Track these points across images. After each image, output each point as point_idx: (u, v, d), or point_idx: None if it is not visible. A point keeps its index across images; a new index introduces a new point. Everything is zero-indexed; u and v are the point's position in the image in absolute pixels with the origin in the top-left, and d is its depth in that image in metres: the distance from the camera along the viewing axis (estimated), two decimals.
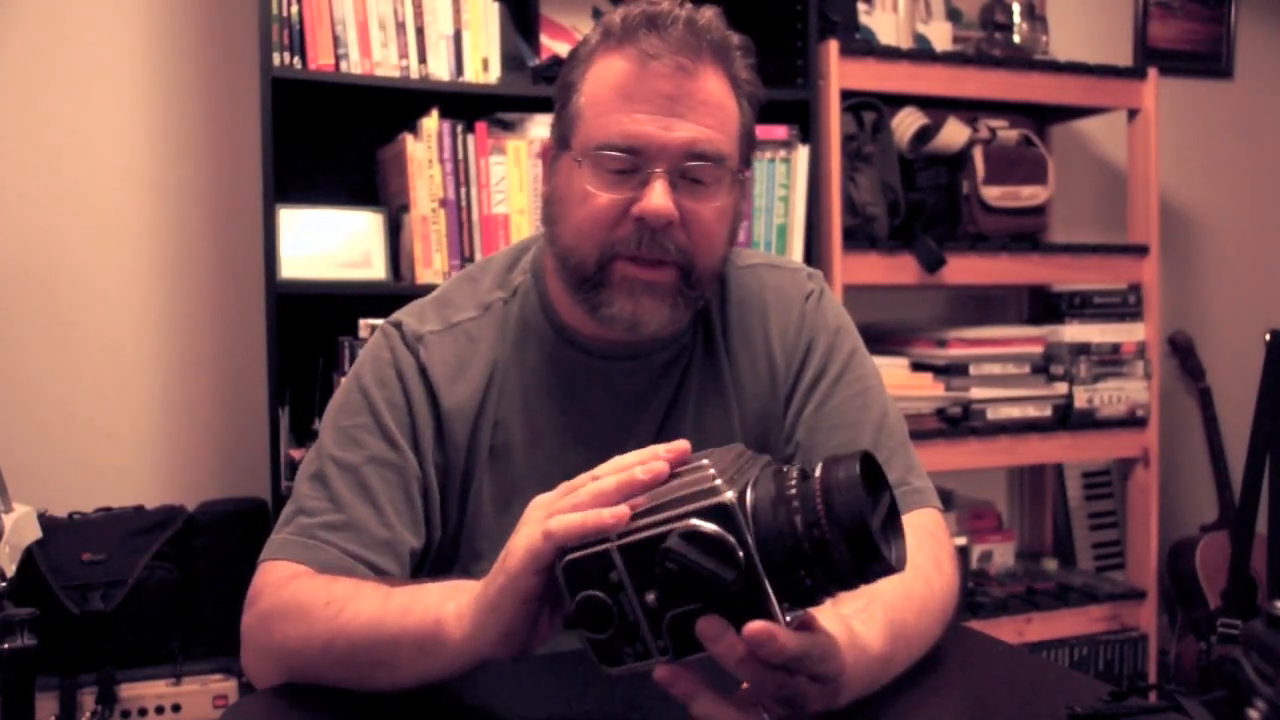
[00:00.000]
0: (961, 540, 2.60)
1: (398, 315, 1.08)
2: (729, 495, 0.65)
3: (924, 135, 2.51)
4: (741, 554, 0.64)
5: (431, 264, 2.12)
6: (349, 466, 0.99)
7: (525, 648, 0.75)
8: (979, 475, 2.90)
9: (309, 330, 2.18)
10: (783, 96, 2.34)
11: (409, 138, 2.12)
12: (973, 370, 2.50)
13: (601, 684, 0.87)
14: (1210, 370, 3.08)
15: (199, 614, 2.12)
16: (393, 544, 0.97)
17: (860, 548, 0.64)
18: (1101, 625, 2.64)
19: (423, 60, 2.14)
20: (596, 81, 0.99)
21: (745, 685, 0.69)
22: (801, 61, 2.38)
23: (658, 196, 0.95)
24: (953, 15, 2.82)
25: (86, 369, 2.31)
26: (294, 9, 2.04)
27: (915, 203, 2.50)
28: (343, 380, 1.09)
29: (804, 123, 2.36)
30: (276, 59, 2.02)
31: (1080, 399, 2.59)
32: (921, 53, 2.56)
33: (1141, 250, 2.68)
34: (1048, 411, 2.57)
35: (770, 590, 0.64)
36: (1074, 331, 2.62)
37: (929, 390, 2.48)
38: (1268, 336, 1.77)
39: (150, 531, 2.13)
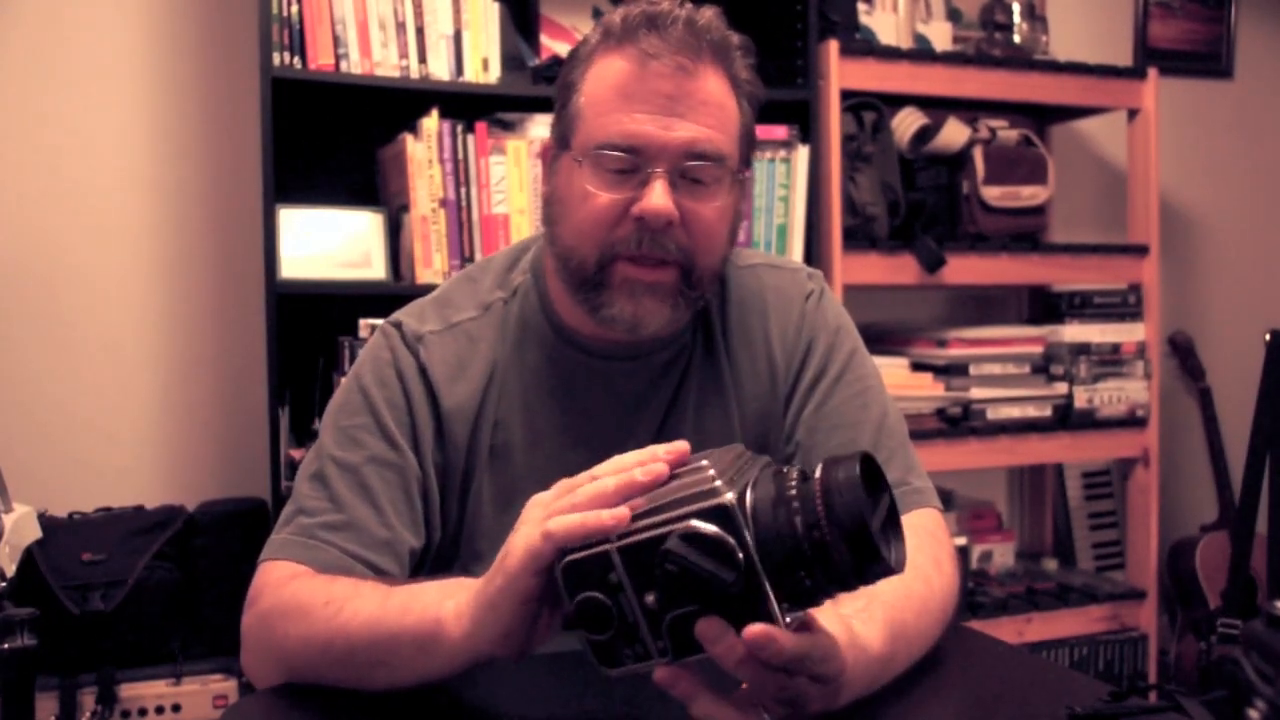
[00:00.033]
0: (961, 540, 2.60)
1: (398, 315, 1.08)
2: (729, 496, 0.65)
3: (924, 135, 2.51)
4: (741, 555, 0.64)
5: (431, 264, 2.12)
6: (349, 466, 0.99)
7: (525, 647, 0.76)
8: (979, 475, 2.90)
9: (309, 330, 2.18)
10: (783, 96, 2.34)
11: (409, 138, 2.12)
12: (973, 370, 2.50)
13: (601, 684, 0.87)
14: (1210, 370, 3.08)
15: (199, 614, 2.12)
16: (392, 544, 0.97)
17: (860, 549, 0.64)
18: (1101, 625, 2.64)
19: (423, 60, 2.14)
20: (596, 81, 0.99)
21: (745, 685, 0.69)
22: (801, 61, 2.38)
23: (658, 196, 0.95)
24: (953, 15, 2.82)
25: (86, 369, 2.31)
26: (294, 9, 2.04)
27: (915, 203, 2.50)
28: (343, 380, 1.09)
29: (804, 123, 2.36)
30: (276, 59, 2.02)
31: (1080, 399, 2.59)
32: (921, 53, 2.56)
33: (1141, 250, 2.68)
34: (1048, 411, 2.57)
35: (770, 591, 0.64)
36: (1074, 331, 2.62)
37: (929, 390, 2.48)
38: (1268, 336, 1.77)
39: (150, 531, 2.13)
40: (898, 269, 2.44)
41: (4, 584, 1.60)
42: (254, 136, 2.09)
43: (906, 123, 2.50)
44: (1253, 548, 1.84)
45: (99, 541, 2.08)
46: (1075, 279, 2.65)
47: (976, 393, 2.50)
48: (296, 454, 2.04)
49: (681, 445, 0.72)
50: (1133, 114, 2.70)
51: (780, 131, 2.34)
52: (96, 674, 1.99)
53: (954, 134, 2.53)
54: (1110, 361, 2.64)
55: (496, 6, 2.21)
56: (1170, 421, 3.00)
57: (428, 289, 1.13)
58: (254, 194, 2.12)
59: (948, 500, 2.77)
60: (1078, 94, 2.64)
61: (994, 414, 2.51)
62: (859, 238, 2.41)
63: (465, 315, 1.07)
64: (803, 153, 2.35)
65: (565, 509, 0.71)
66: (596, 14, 2.56)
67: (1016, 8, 2.68)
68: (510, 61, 2.25)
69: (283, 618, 0.89)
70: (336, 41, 2.07)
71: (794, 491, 0.65)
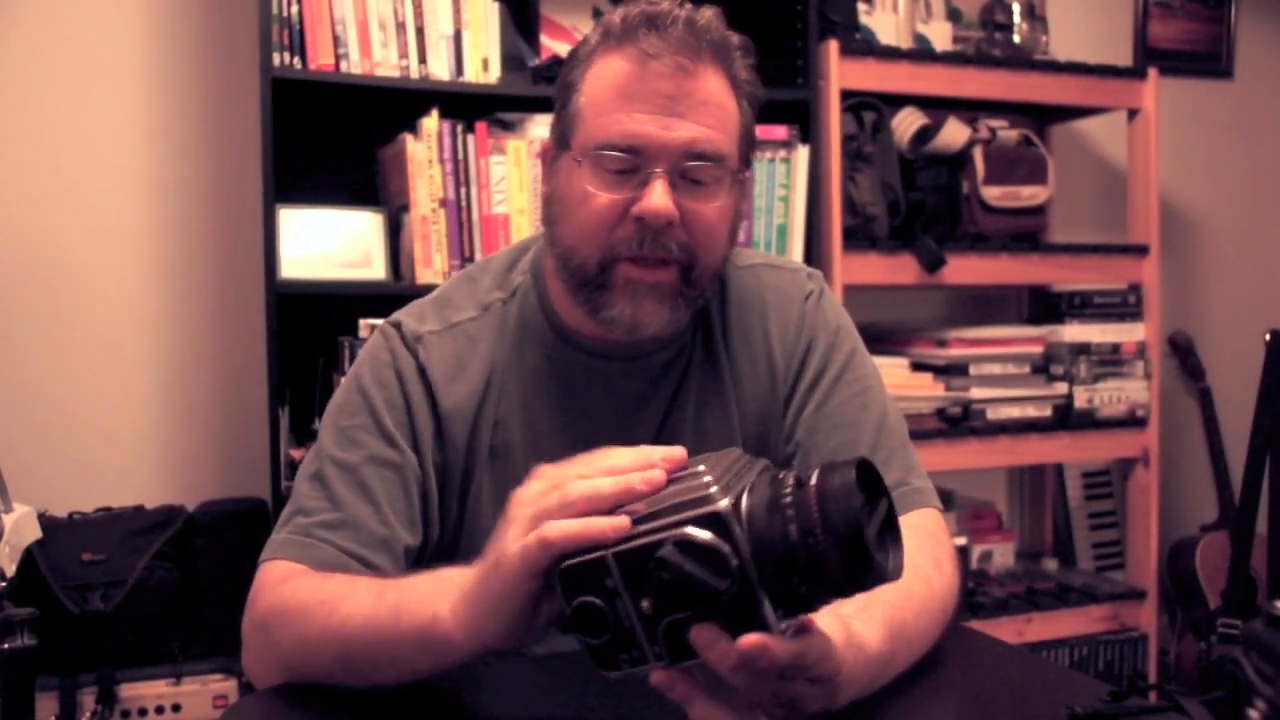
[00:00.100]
0: (961, 540, 2.60)
1: (397, 315, 1.08)
2: (723, 504, 0.65)
3: (924, 135, 2.51)
4: (735, 562, 0.64)
5: (431, 264, 2.12)
6: (347, 466, 0.99)
7: (525, 637, 0.75)
8: (979, 475, 2.90)
9: (309, 330, 2.18)
10: (783, 96, 2.34)
11: (409, 138, 2.12)
12: (973, 370, 2.50)
13: (601, 684, 0.87)
14: (1210, 370, 3.08)
15: (199, 614, 2.12)
16: (389, 542, 0.97)
17: (854, 557, 0.63)
18: (1101, 625, 2.64)
19: (423, 60, 2.14)
20: (596, 81, 0.99)
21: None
22: (801, 61, 2.38)
23: (658, 196, 0.95)
24: (953, 15, 2.82)
25: (86, 369, 2.31)
26: (294, 9, 2.04)
27: (915, 203, 2.50)
28: (342, 380, 1.09)
29: (804, 123, 2.36)
30: (276, 59, 2.02)
31: (1080, 399, 2.59)
32: (921, 53, 2.56)
33: (1141, 250, 2.68)
34: (1048, 411, 2.57)
35: (764, 599, 0.64)
36: (1074, 331, 2.62)
37: (929, 390, 2.48)
38: (1268, 336, 1.77)
39: (150, 531, 2.13)
40: (898, 269, 2.44)
41: (4, 584, 1.60)
42: (254, 136, 2.08)
43: (906, 123, 2.50)
44: (1253, 548, 1.84)
45: (99, 541, 2.08)
46: (1075, 279, 2.65)
47: (976, 393, 2.50)
48: (296, 454, 2.04)
49: (679, 452, 0.72)
50: (1133, 114, 2.70)
51: (780, 131, 2.34)
52: (96, 674, 1.99)
53: (954, 134, 2.53)
54: (1110, 361, 2.64)
55: (496, 6, 2.21)
56: (1170, 421, 3.00)
57: (428, 289, 1.13)
58: (254, 194, 2.12)
59: (948, 500, 2.77)
60: (1078, 94, 2.64)
61: (994, 414, 2.51)
62: (859, 238, 2.41)
63: (464, 315, 1.07)
64: (803, 153, 2.35)
65: (556, 510, 0.70)
66: (596, 14, 2.56)
67: (1016, 8, 2.68)
68: (510, 61, 2.25)
69: (281, 619, 0.89)
70: (336, 41, 2.07)
71: (789, 498, 0.65)
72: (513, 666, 0.96)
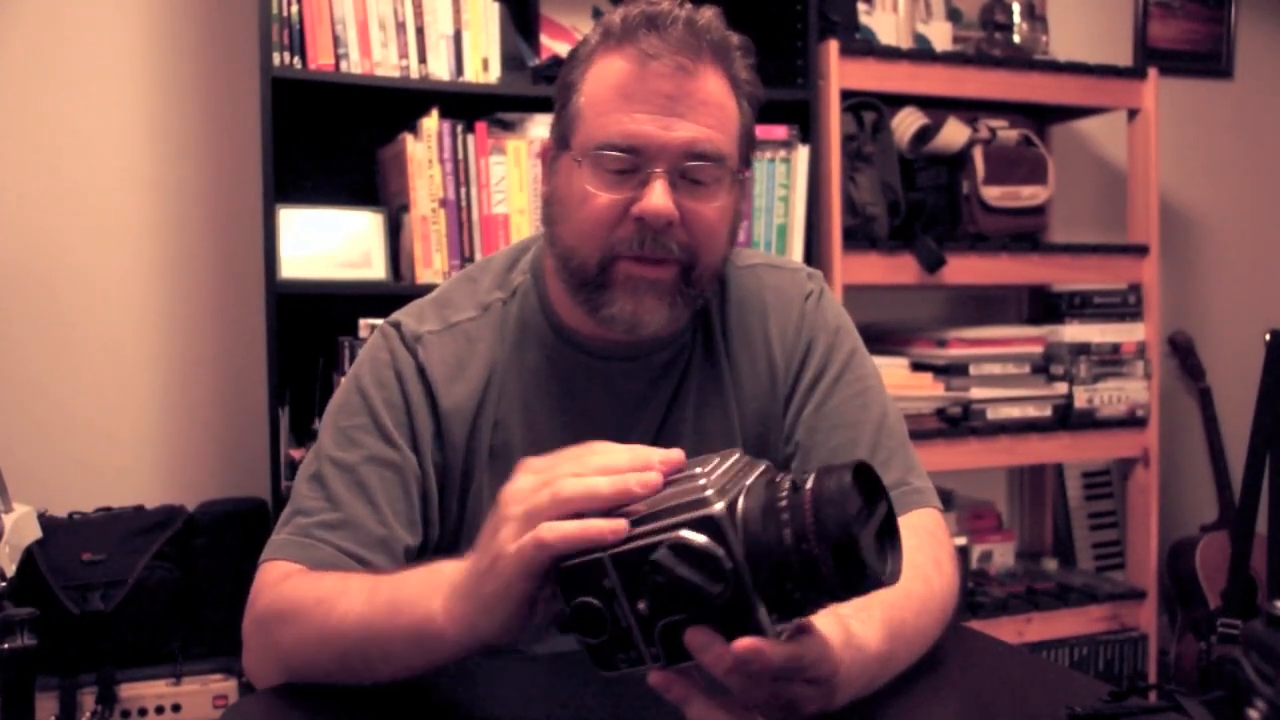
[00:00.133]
0: (961, 540, 2.60)
1: (397, 316, 1.08)
2: (718, 507, 0.64)
3: (924, 135, 2.51)
4: (729, 566, 0.64)
5: (431, 264, 2.12)
6: (346, 466, 0.99)
7: (522, 633, 0.75)
8: (979, 475, 2.90)
9: (309, 330, 2.18)
10: (783, 96, 2.34)
11: (409, 138, 2.12)
12: (973, 370, 2.50)
13: (601, 684, 0.87)
14: (1210, 370, 3.08)
15: (199, 614, 2.12)
16: (388, 541, 0.97)
17: (848, 563, 0.63)
18: (1101, 625, 2.64)
19: (423, 60, 2.14)
20: (596, 81, 0.99)
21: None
22: (801, 61, 2.38)
23: (657, 196, 0.95)
24: (953, 15, 2.82)
25: (86, 369, 2.31)
26: (294, 9, 2.04)
27: (915, 203, 2.50)
28: (342, 380, 1.09)
29: (804, 123, 2.36)
30: (276, 59, 2.02)
31: (1080, 399, 2.59)
32: (921, 53, 2.56)
33: (1141, 250, 2.68)
34: (1048, 411, 2.57)
35: (757, 603, 0.64)
36: (1074, 331, 2.62)
37: (929, 390, 2.48)
38: (1268, 336, 1.77)
39: (150, 531, 2.13)
40: (898, 269, 2.44)
41: (4, 584, 1.60)
42: (254, 136, 2.08)
43: (906, 123, 2.50)
44: (1253, 548, 1.84)
45: (99, 541, 2.08)
46: (1075, 279, 2.65)
47: (976, 393, 2.50)
48: (296, 454, 2.04)
49: (676, 454, 0.71)
50: (1133, 114, 2.70)
51: (780, 131, 2.34)
52: (96, 674, 1.99)
53: (954, 134, 2.53)
54: (1110, 361, 2.64)
55: (496, 6, 2.21)
56: (1170, 421, 3.00)
57: (428, 289, 1.13)
58: (254, 194, 2.12)
59: (948, 500, 2.77)
60: (1078, 94, 2.64)
61: (994, 414, 2.51)
62: (859, 238, 2.41)
63: (464, 315, 1.07)
64: (803, 153, 2.35)
65: (548, 508, 0.69)
66: (596, 14, 2.56)
67: (1016, 8, 2.68)
68: (510, 61, 2.25)
69: (279, 619, 0.89)
70: (336, 41, 2.07)
71: (784, 502, 0.64)
72: (512, 666, 0.96)
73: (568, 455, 0.73)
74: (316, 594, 0.87)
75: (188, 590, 2.12)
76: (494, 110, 2.23)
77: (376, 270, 2.16)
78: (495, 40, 2.20)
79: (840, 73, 2.37)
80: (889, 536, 0.67)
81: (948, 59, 2.53)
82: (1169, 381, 3.07)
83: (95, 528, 2.12)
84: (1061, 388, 2.59)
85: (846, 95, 2.39)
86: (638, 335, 1.01)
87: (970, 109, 2.60)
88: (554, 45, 2.40)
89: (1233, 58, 3.23)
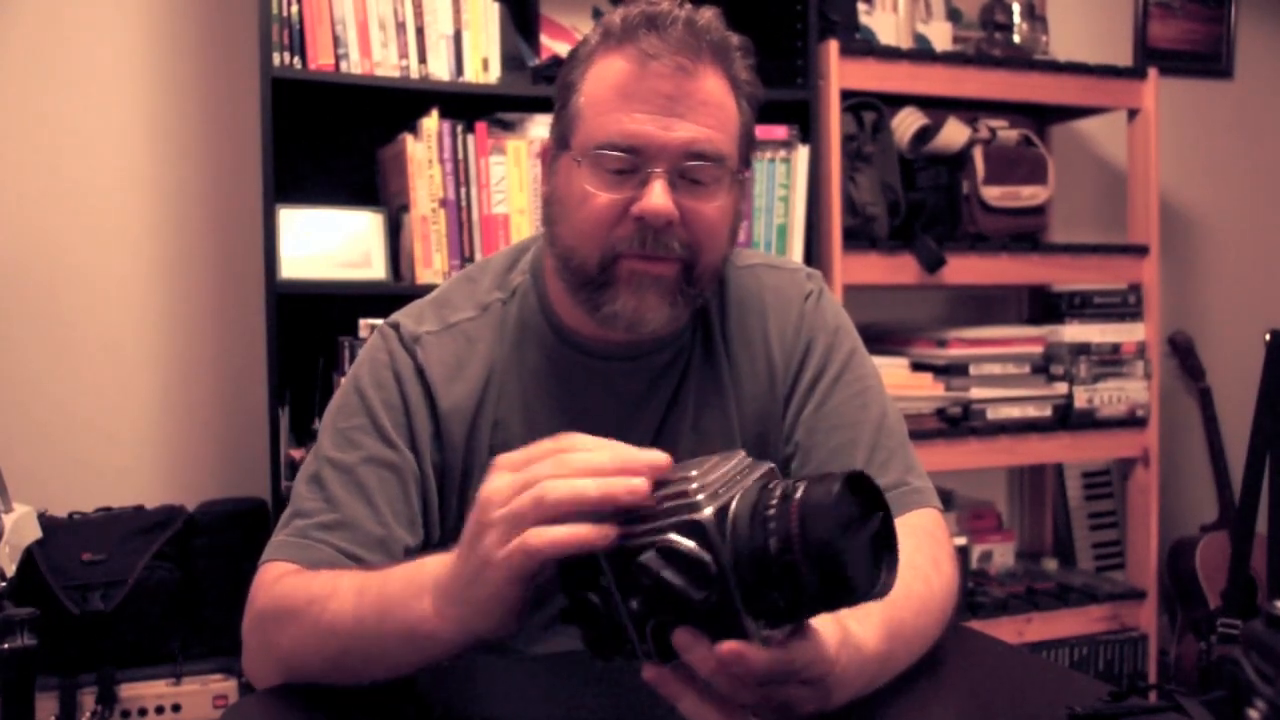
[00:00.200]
0: (961, 540, 2.60)
1: (396, 316, 1.08)
2: (707, 513, 0.64)
3: (924, 135, 2.51)
4: (715, 572, 0.63)
5: (431, 264, 2.12)
6: (345, 467, 0.99)
7: (516, 628, 0.75)
8: (979, 475, 2.90)
9: (309, 330, 2.18)
10: (783, 96, 2.34)
11: (409, 138, 2.12)
12: (973, 370, 2.50)
13: (599, 684, 0.87)
14: (1210, 370, 3.08)
15: (199, 614, 2.12)
16: (387, 542, 0.97)
17: (829, 576, 0.62)
18: (1101, 625, 2.64)
19: (423, 60, 2.14)
20: (596, 81, 0.99)
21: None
22: (801, 61, 2.38)
23: (657, 196, 0.95)
24: (953, 15, 2.82)
25: (86, 369, 2.31)
26: (294, 9, 2.04)
27: (915, 203, 2.50)
28: (342, 381, 1.09)
29: (804, 123, 2.36)
30: (276, 59, 2.02)
31: (1080, 399, 2.59)
32: (921, 53, 2.56)
33: (1141, 250, 2.68)
34: (1048, 411, 2.57)
35: (741, 609, 0.64)
36: (1074, 331, 2.62)
37: (929, 390, 2.48)
38: (1268, 336, 1.77)
39: (150, 531, 2.13)
40: (898, 269, 2.44)
41: (4, 584, 1.60)
42: (254, 136, 2.08)
43: (906, 123, 2.50)
44: (1253, 548, 1.84)
45: (99, 541, 2.08)
46: (1075, 279, 2.65)
47: (976, 393, 2.50)
48: (296, 454, 2.04)
49: (663, 458, 0.70)
50: (1133, 114, 2.70)
51: (780, 131, 2.34)
52: (96, 674, 1.99)
53: (954, 134, 2.53)
54: (1110, 361, 2.64)
55: (496, 6, 2.21)
56: (1170, 421, 3.00)
57: (428, 289, 1.13)
58: (254, 194, 2.12)
59: (948, 500, 2.77)
60: (1078, 94, 2.64)
61: (994, 414, 2.51)
62: (859, 238, 2.41)
63: (463, 316, 1.07)
64: (803, 153, 2.35)
65: (531, 513, 0.69)
66: (596, 14, 2.56)
67: (1016, 8, 2.68)
68: (510, 61, 2.25)
69: (275, 621, 0.89)
70: (336, 41, 2.07)
71: (773, 510, 0.64)
72: (512, 666, 0.96)
73: (544, 452, 0.72)
74: (309, 594, 0.87)
75: (188, 590, 2.12)
76: (494, 110, 2.23)
77: (376, 270, 2.16)
78: (495, 40, 2.20)
79: (840, 73, 2.37)
80: (886, 548, 0.66)
81: (948, 59, 2.53)
82: (1169, 381, 3.07)
83: (95, 528, 2.12)
84: (1061, 388, 2.59)
85: (846, 95, 2.39)
86: (639, 333, 1.01)
87: (970, 109, 2.60)
88: (554, 45, 2.40)
89: (1233, 58, 3.23)
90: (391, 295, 1.87)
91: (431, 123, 2.12)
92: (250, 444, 2.32)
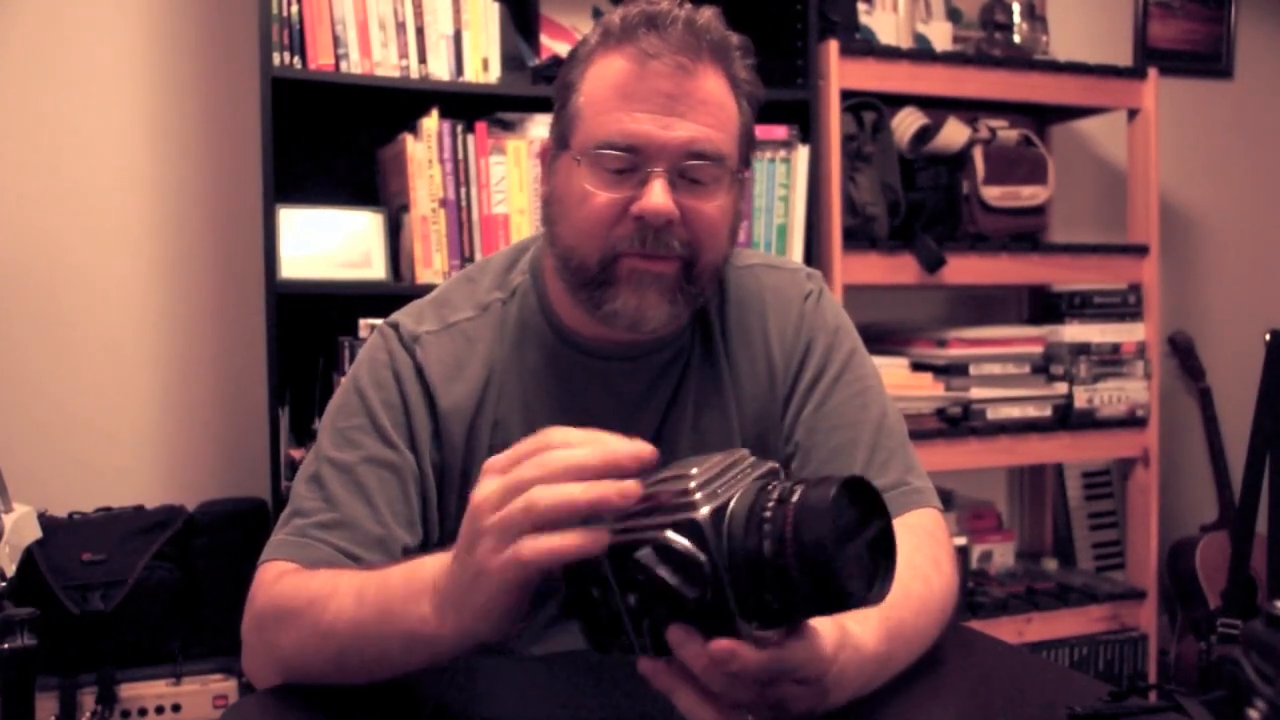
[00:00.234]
0: (961, 540, 2.60)
1: (395, 316, 1.08)
2: (703, 512, 0.64)
3: (924, 135, 2.51)
4: (709, 571, 0.63)
5: (431, 264, 2.12)
6: (344, 466, 0.99)
7: (517, 628, 0.75)
8: (979, 475, 2.90)
9: (309, 330, 2.18)
10: (783, 96, 2.34)
11: (409, 138, 2.12)
12: (973, 370, 2.50)
13: (599, 684, 0.87)
14: (1210, 370, 3.08)
15: (199, 614, 2.12)
16: (386, 541, 0.97)
17: (820, 581, 0.62)
18: (1101, 625, 2.64)
19: (423, 60, 2.14)
20: (596, 81, 0.99)
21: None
22: (801, 61, 2.38)
23: (657, 195, 0.95)
24: (953, 15, 2.82)
25: (86, 369, 2.31)
26: (294, 9, 2.04)
27: (915, 203, 2.50)
28: (341, 381, 1.09)
29: (804, 123, 2.36)
30: (276, 59, 2.02)
31: (1080, 399, 2.59)
32: (921, 53, 2.56)
33: (1141, 250, 2.68)
34: (1048, 411, 2.57)
35: (735, 609, 0.64)
36: (1074, 331, 2.62)
37: (929, 390, 2.48)
38: (1268, 336, 1.77)
39: (150, 531, 2.13)
40: (898, 269, 2.44)
41: (4, 584, 1.60)
42: (254, 136, 2.08)
43: (906, 123, 2.50)
44: (1253, 548, 1.84)
45: (99, 541, 2.08)
46: (1075, 279, 2.65)
47: (976, 393, 2.50)
48: (296, 454, 2.04)
49: (648, 449, 0.69)
50: (1133, 114, 2.70)
51: (780, 131, 2.34)
52: (96, 674, 1.99)
53: (954, 134, 2.53)
54: (1110, 361, 2.64)
55: (496, 6, 2.21)
56: (1170, 421, 3.00)
57: (428, 289, 1.13)
58: (254, 194, 2.12)
59: (948, 500, 2.77)
60: (1078, 94, 2.64)
61: (994, 414, 2.51)
62: (859, 238, 2.41)
63: (463, 315, 1.07)
64: (803, 153, 2.35)
65: (522, 522, 0.68)
66: (596, 14, 2.56)
67: (1016, 8, 2.68)
68: (510, 61, 2.25)
69: (275, 621, 0.89)
70: (336, 41, 2.07)
71: (769, 513, 0.64)
72: (512, 666, 0.96)
73: (527, 451, 0.71)
74: (309, 595, 0.87)
75: (188, 590, 2.12)
76: (494, 110, 2.23)
77: (376, 270, 2.16)
78: (495, 40, 2.20)
79: (840, 73, 2.37)
80: (884, 555, 0.66)
81: (948, 59, 2.53)
82: (1169, 381, 3.07)
83: (95, 528, 2.12)
84: (1061, 388, 2.59)
85: (846, 95, 2.39)
86: (639, 332, 1.01)
87: (970, 109, 2.60)
88: (554, 45, 2.40)
89: (1233, 58, 3.23)
90: (391, 295, 1.87)
91: (431, 123, 2.12)
92: (250, 444, 2.32)
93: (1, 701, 1.54)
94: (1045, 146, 2.74)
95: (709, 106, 0.97)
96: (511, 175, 2.17)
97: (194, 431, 2.38)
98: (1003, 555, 2.83)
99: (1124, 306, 2.67)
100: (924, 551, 0.95)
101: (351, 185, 2.31)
